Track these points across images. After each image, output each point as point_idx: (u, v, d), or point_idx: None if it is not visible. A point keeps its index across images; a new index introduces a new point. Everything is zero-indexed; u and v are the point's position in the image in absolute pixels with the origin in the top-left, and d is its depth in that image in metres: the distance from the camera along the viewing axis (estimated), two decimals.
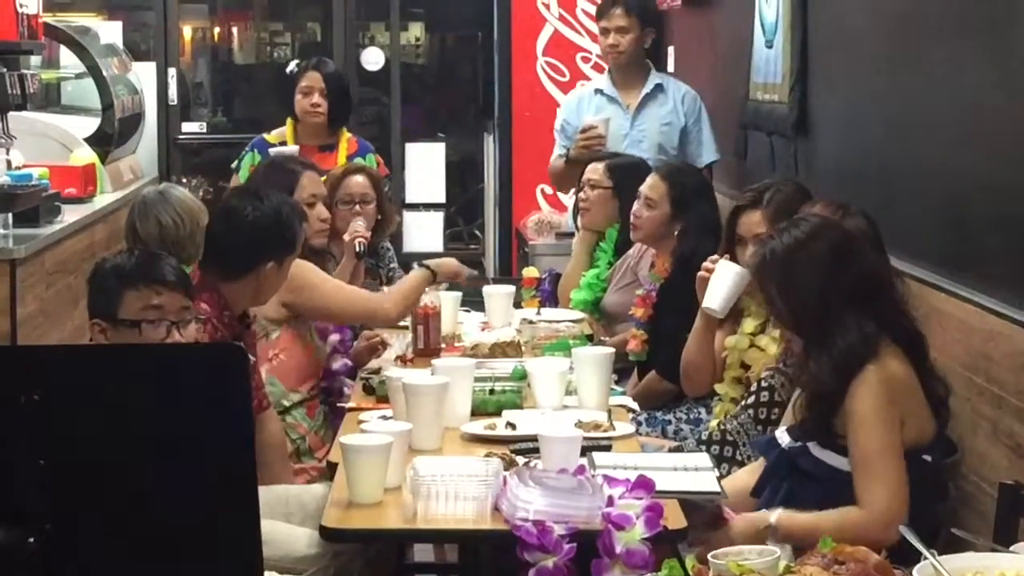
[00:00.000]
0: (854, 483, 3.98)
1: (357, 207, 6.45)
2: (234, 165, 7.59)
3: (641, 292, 5.92)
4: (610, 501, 3.80)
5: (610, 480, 3.89)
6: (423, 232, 11.24)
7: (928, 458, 4.02)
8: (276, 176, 5.91)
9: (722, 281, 4.98)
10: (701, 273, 5.07)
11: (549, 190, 9.96)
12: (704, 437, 4.82)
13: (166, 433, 2.42)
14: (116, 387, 2.43)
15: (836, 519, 3.96)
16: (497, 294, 6.27)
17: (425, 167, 11.34)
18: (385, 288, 6.18)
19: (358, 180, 6.54)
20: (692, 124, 7.59)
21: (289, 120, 7.53)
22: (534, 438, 4.31)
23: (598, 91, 7.72)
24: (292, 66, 7.83)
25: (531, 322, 6.11)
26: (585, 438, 4.30)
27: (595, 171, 6.67)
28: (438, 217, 11.44)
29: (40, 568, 2.40)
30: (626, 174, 6.64)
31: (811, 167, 6.29)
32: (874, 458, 3.97)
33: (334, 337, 5.53)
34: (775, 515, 4.04)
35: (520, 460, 4.20)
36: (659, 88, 7.64)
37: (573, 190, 7.35)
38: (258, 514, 2.45)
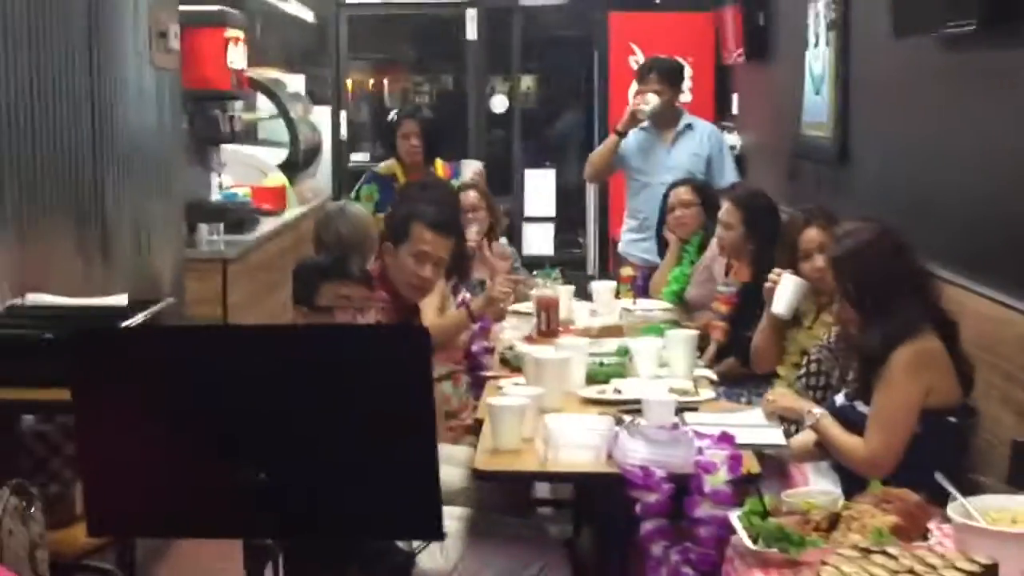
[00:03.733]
0: (866, 425, 3.95)
1: (470, 215, 6.45)
2: (353, 195, 7.37)
3: (725, 292, 5.85)
4: (700, 451, 3.78)
5: (699, 434, 3.87)
6: (538, 239, 11.27)
7: (953, 419, 3.96)
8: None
9: (785, 290, 4.96)
10: (767, 284, 5.04)
11: None
12: None
13: (366, 395, 2.42)
14: (329, 358, 2.44)
15: (846, 443, 3.98)
16: (603, 288, 6.26)
17: (540, 189, 11.35)
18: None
19: (470, 195, 6.55)
20: (716, 155, 7.56)
21: (394, 157, 7.34)
22: (637, 401, 4.29)
23: (642, 129, 7.69)
24: (392, 115, 7.69)
25: (629, 311, 6.09)
26: (678, 401, 4.28)
27: (685, 192, 6.61)
28: (550, 228, 11.46)
29: (267, 496, 2.41)
30: (709, 191, 6.64)
31: (849, 189, 6.22)
32: (887, 414, 3.92)
33: (475, 325, 5.48)
34: (820, 412, 4.07)
35: (626, 418, 4.17)
36: (689, 127, 7.63)
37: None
38: (436, 462, 2.45)
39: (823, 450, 4.16)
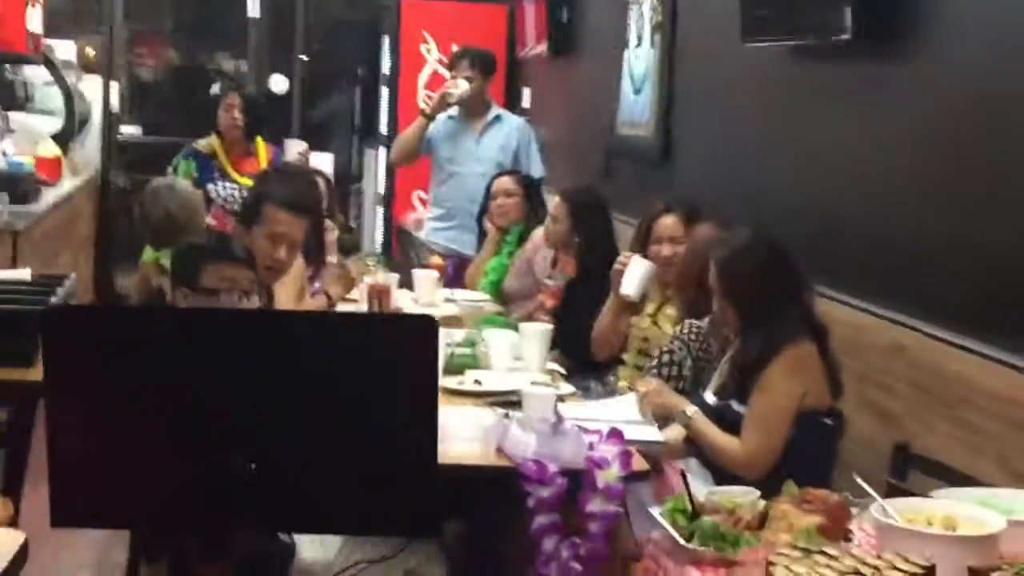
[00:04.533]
0: (743, 425, 3.98)
1: None
2: (170, 171, 7.08)
3: (551, 285, 5.88)
4: (591, 447, 3.75)
5: (584, 430, 3.85)
6: None
7: (828, 421, 4.03)
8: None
9: (635, 273, 4.99)
10: (616, 266, 5.06)
11: (424, 195, 9.89)
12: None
13: (365, 385, 2.30)
14: (327, 345, 2.32)
15: (722, 442, 4.00)
16: (427, 277, 6.19)
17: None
18: None
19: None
20: (524, 148, 7.60)
21: (214, 134, 7.16)
22: (504, 393, 4.26)
23: (450, 117, 7.67)
24: (216, 88, 7.52)
25: (453, 301, 6.05)
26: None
27: (509, 182, 6.61)
28: None
29: (256, 487, 2.28)
30: (532, 184, 6.64)
31: (672, 187, 6.28)
32: (763, 416, 3.96)
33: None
34: (692, 410, 4.08)
35: (499, 411, 4.11)
36: (498, 119, 7.66)
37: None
38: (436, 457, 2.35)
39: (691, 446, 4.18)
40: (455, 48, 8.43)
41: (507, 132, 7.57)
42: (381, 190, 10.35)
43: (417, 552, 3.89)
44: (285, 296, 4.82)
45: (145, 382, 2.26)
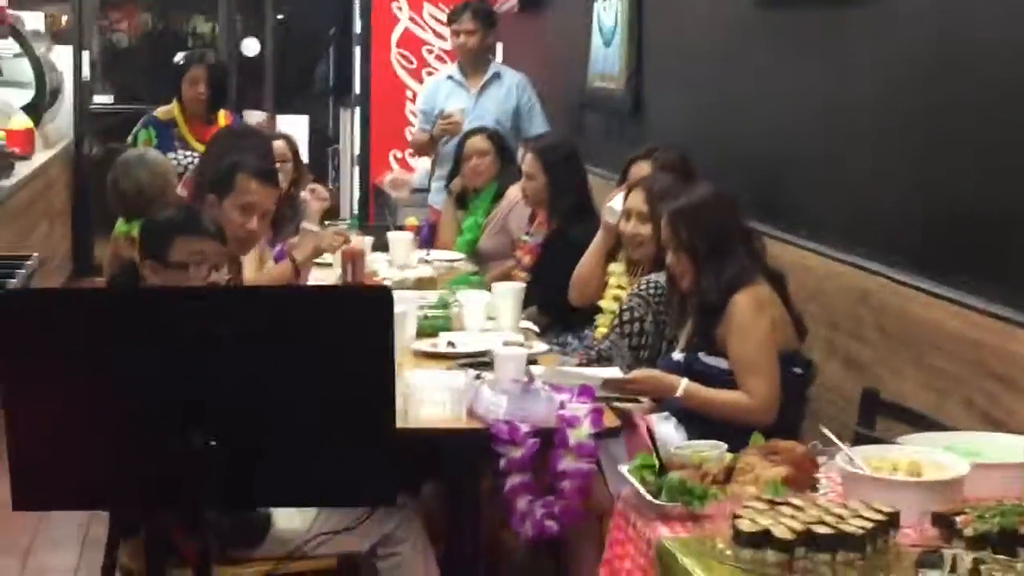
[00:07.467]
0: (737, 379, 3.97)
1: (277, 165, 6.26)
2: (130, 140, 7.00)
3: (528, 241, 5.87)
4: (561, 405, 3.80)
5: (555, 388, 3.89)
6: None
7: (799, 371, 4.06)
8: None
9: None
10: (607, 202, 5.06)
11: (400, 154, 9.89)
12: (593, 356, 4.75)
13: (322, 358, 2.34)
14: (284, 320, 2.35)
15: (728, 399, 3.96)
16: (402, 239, 6.21)
17: (292, 134, 11.18)
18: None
19: (279, 144, 6.34)
20: (524, 104, 7.47)
21: (175, 101, 7.01)
22: (476, 354, 4.30)
23: (449, 77, 7.63)
24: (180, 57, 7.40)
25: (428, 262, 6.07)
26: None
27: (480, 141, 6.58)
28: None
29: (218, 464, 2.32)
30: (503, 141, 6.63)
31: (643, 140, 6.28)
32: (753, 357, 3.96)
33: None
34: (684, 382, 4.02)
35: (471, 372, 4.14)
36: (497, 76, 7.54)
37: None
38: (394, 425, 2.38)
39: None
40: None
41: (506, 89, 7.45)
42: (357, 151, 10.34)
43: (395, 515, 3.91)
44: (250, 264, 4.86)
45: (101, 363, 2.30)
